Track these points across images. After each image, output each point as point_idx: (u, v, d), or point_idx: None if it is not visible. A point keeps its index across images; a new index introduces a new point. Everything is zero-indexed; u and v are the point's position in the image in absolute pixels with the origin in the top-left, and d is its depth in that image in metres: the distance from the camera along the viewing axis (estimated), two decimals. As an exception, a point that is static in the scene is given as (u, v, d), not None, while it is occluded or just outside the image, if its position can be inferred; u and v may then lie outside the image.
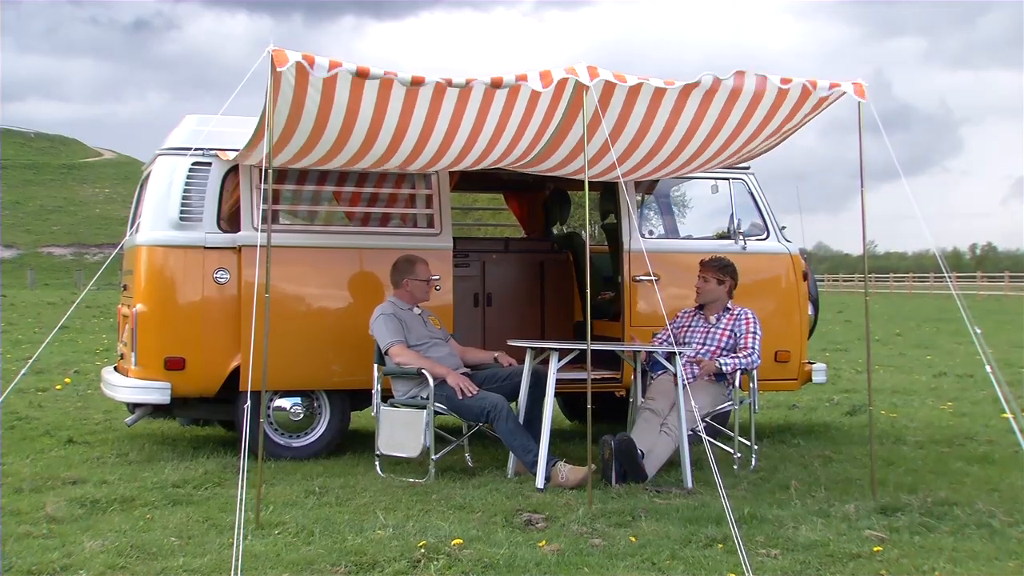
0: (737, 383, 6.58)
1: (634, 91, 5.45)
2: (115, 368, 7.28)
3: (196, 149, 6.48)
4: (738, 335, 6.63)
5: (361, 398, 6.79)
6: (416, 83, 5.07)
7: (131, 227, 7.09)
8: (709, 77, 5.36)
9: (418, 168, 6.38)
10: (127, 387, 6.60)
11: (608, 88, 5.35)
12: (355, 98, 5.26)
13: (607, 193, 7.52)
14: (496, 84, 5.15)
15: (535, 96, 5.39)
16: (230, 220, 6.67)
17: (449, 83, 5.10)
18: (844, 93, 5.52)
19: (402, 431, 6.12)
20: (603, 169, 6.29)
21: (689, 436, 6.07)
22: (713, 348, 6.62)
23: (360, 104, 5.30)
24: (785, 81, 5.39)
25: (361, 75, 4.96)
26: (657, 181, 7.64)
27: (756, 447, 6.61)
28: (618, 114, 5.61)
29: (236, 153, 6.48)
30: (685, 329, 6.76)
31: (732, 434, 6.54)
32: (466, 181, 7.87)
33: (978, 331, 5.28)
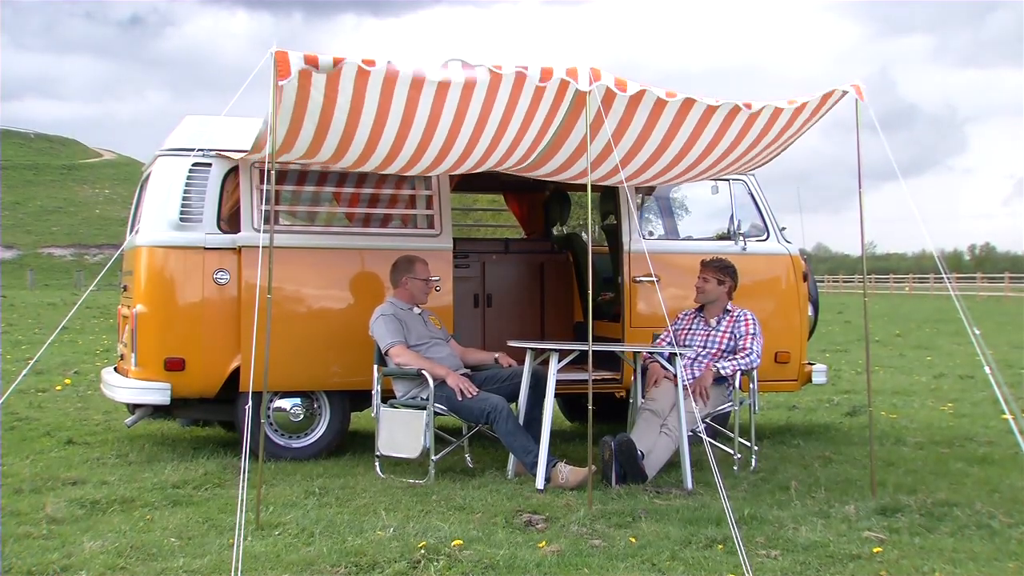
0: (737, 384, 6.58)
1: (636, 98, 5.46)
2: (115, 369, 7.28)
3: (196, 150, 6.49)
4: (738, 337, 6.63)
5: (361, 399, 6.78)
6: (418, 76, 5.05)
7: (131, 228, 7.09)
8: (704, 104, 5.43)
9: (420, 171, 6.38)
10: (127, 388, 6.60)
11: (610, 92, 5.36)
12: (358, 95, 5.25)
13: (607, 194, 7.52)
14: (496, 68, 5.14)
15: (537, 95, 5.39)
16: (230, 221, 6.67)
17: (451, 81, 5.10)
18: (845, 93, 5.54)
19: (402, 432, 6.12)
20: (605, 173, 6.30)
21: (689, 437, 6.07)
22: (714, 351, 6.63)
23: (363, 102, 5.29)
24: (790, 102, 5.50)
25: (366, 65, 4.95)
26: (657, 182, 7.65)
27: (756, 448, 6.61)
28: (619, 119, 5.61)
29: (242, 155, 6.48)
30: (685, 332, 6.76)
31: (732, 435, 6.54)
32: (466, 182, 7.87)
33: (977, 332, 5.29)
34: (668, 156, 6.08)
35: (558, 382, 5.93)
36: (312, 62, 4.86)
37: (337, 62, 4.90)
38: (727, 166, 6.48)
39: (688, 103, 5.50)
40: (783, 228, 7.62)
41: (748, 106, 5.52)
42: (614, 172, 6.03)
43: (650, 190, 7.79)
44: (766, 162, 6.64)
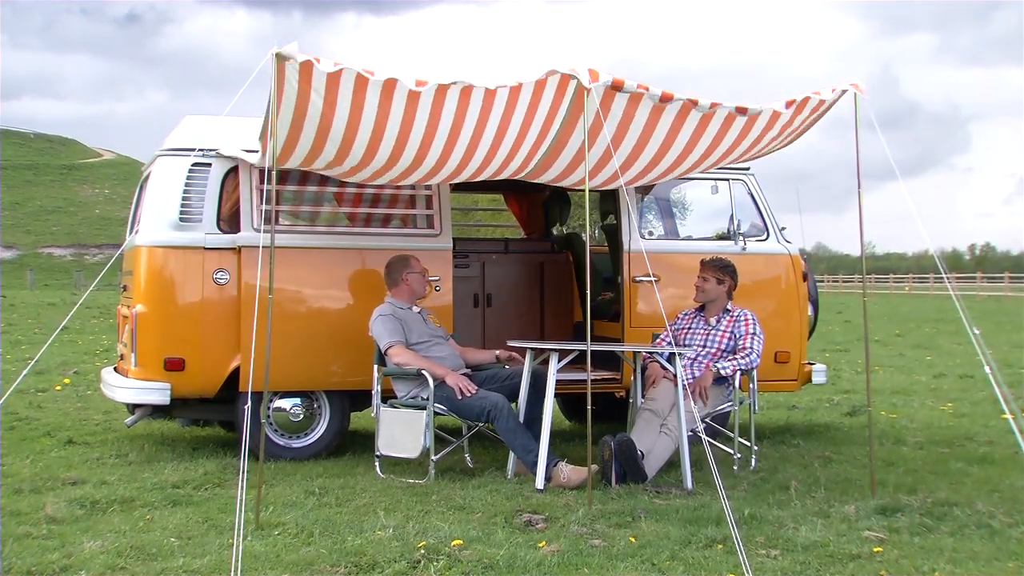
0: (737, 384, 6.58)
1: (635, 99, 5.46)
2: (115, 369, 7.29)
3: (196, 150, 6.49)
4: (738, 336, 6.63)
5: (361, 399, 6.79)
6: (419, 85, 5.09)
7: (131, 228, 7.09)
8: (707, 103, 5.42)
9: (419, 179, 6.39)
10: (127, 388, 6.60)
11: (608, 94, 5.36)
12: (357, 102, 5.26)
13: (607, 194, 7.52)
14: (496, 84, 5.17)
15: (535, 99, 5.39)
16: (230, 221, 6.67)
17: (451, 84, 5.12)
18: (844, 92, 5.54)
19: (402, 432, 6.12)
20: (606, 179, 6.30)
21: (689, 437, 6.07)
22: (714, 350, 6.63)
23: (363, 109, 5.31)
24: (789, 104, 5.50)
25: (366, 74, 4.97)
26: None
27: (756, 448, 6.61)
28: (619, 121, 5.61)
29: (250, 155, 6.49)
30: (685, 331, 6.76)
31: (732, 435, 6.54)
32: (466, 181, 7.87)
33: (976, 332, 5.28)
34: (669, 159, 6.08)
35: (558, 382, 5.93)
36: (313, 61, 4.88)
37: (337, 65, 4.93)
38: (732, 160, 6.48)
39: (686, 108, 5.49)
40: (783, 228, 7.62)
41: (743, 111, 5.51)
42: (614, 178, 6.05)
43: (648, 189, 7.78)
44: (771, 152, 6.62)
